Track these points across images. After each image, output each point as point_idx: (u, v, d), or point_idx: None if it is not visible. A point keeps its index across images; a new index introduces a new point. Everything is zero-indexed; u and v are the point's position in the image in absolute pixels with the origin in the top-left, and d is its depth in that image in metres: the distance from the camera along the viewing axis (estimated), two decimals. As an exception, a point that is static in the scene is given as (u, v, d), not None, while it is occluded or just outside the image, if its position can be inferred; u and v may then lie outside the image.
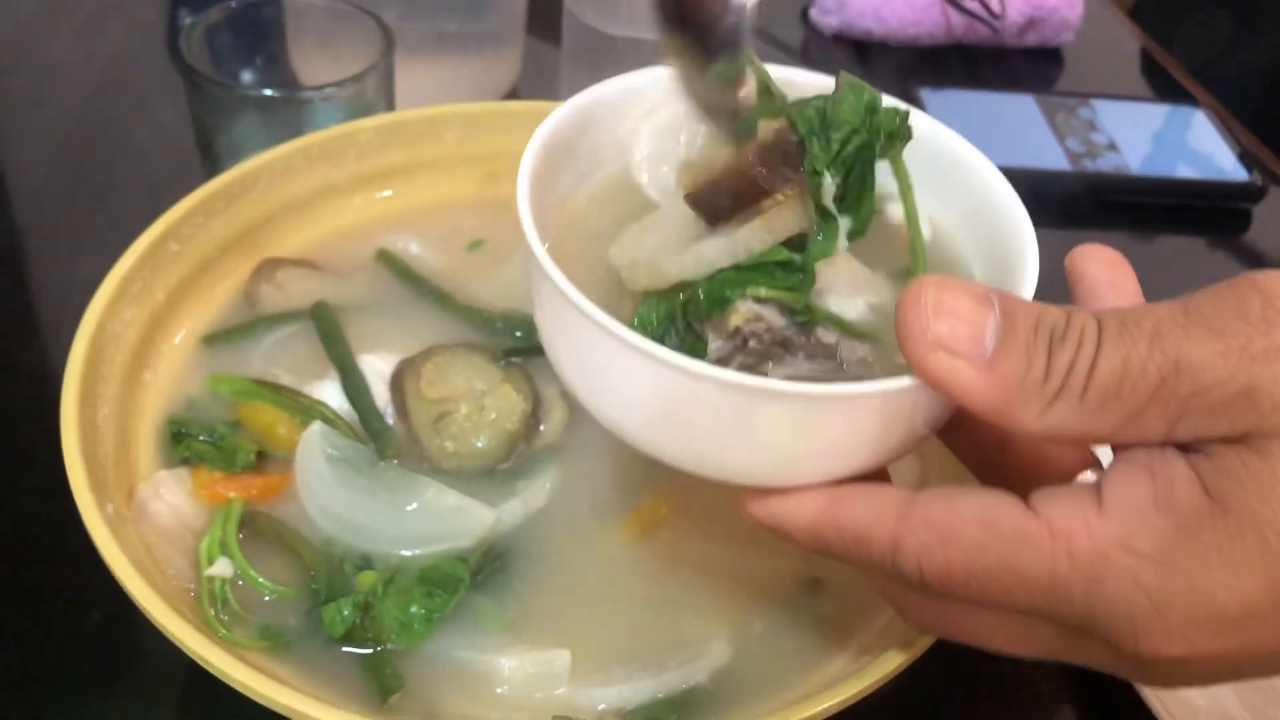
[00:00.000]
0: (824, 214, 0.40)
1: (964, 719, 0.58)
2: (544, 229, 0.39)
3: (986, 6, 1.05)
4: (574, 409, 0.57)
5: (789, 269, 0.39)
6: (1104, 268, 0.41)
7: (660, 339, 0.38)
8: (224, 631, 0.46)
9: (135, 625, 0.57)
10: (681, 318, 0.39)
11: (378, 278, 0.63)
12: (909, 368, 0.35)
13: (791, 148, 0.40)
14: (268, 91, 0.66)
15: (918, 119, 0.45)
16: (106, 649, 0.56)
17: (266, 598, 0.48)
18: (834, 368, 0.38)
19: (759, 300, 0.38)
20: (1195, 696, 0.53)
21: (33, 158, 0.85)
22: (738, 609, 0.50)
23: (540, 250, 0.38)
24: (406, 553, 0.50)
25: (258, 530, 0.50)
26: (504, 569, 0.50)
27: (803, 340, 0.38)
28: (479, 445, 0.54)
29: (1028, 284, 0.39)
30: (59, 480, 0.47)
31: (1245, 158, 0.95)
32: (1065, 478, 0.39)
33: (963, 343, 0.33)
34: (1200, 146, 0.97)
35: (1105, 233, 0.93)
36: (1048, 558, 0.33)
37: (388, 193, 0.66)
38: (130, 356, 0.54)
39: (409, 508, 0.51)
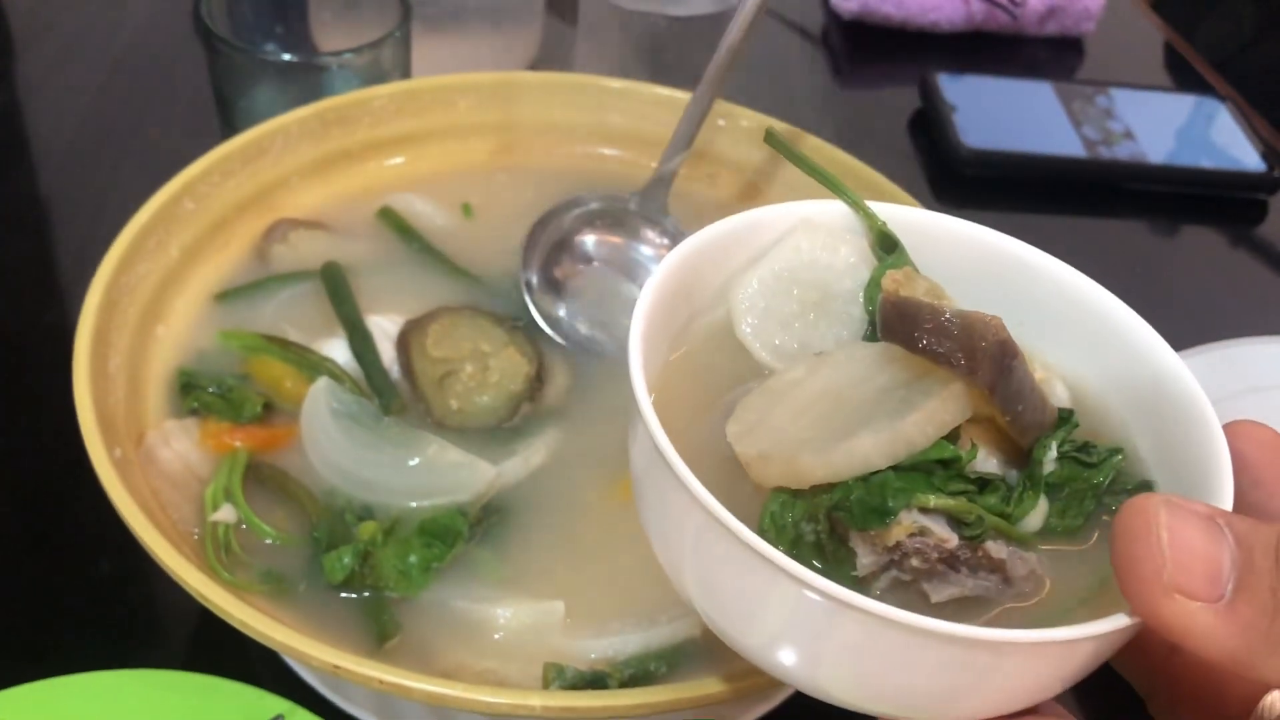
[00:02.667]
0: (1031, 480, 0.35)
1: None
2: (650, 385, 0.34)
3: (1007, -6, 1.05)
4: (577, 374, 0.57)
5: (950, 469, 0.34)
6: (1264, 450, 0.36)
7: (796, 543, 0.33)
8: (226, 574, 0.47)
9: (144, 575, 0.59)
10: (825, 520, 0.33)
11: (388, 241, 0.64)
12: (1091, 589, 0.32)
13: (999, 349, 0.33)
14: (285, 57, 0.67)
15: (1054, 267, 0.39)
16: (115, 597, 0.58)
17: (269, 543, 0.49)
18: (999, 583, 0.34)
19: (925, 510, 0.33)
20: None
21: (58, 123, 0.87)
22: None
23: (658, 429, 0.32)
24: (408, 505, 0.50)
25: (262, 479, 0.51)
26: (503, 523, 0.51)
27: (968, 555, 0.33)
28: (482, 404, 0.55)
29: (1225, 490, 0.33)
30: (74, 432, 0.48)
31: (1263, 149, 0.95)
32: (1248, 698, 0.35)
33: (1199, 583, 0.29)
34: (1218, 137, 0.97)
35: (1121, 220, 0.93)
36: None
37: (400, 159, 0.67)
38: (143, 309, 0.55)
39: (411, 462, 0.51)
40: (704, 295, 0.39)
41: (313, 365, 0.55)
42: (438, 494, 0.51)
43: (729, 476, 0.33)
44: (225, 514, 0.48)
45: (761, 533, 0.32)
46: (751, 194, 0.69)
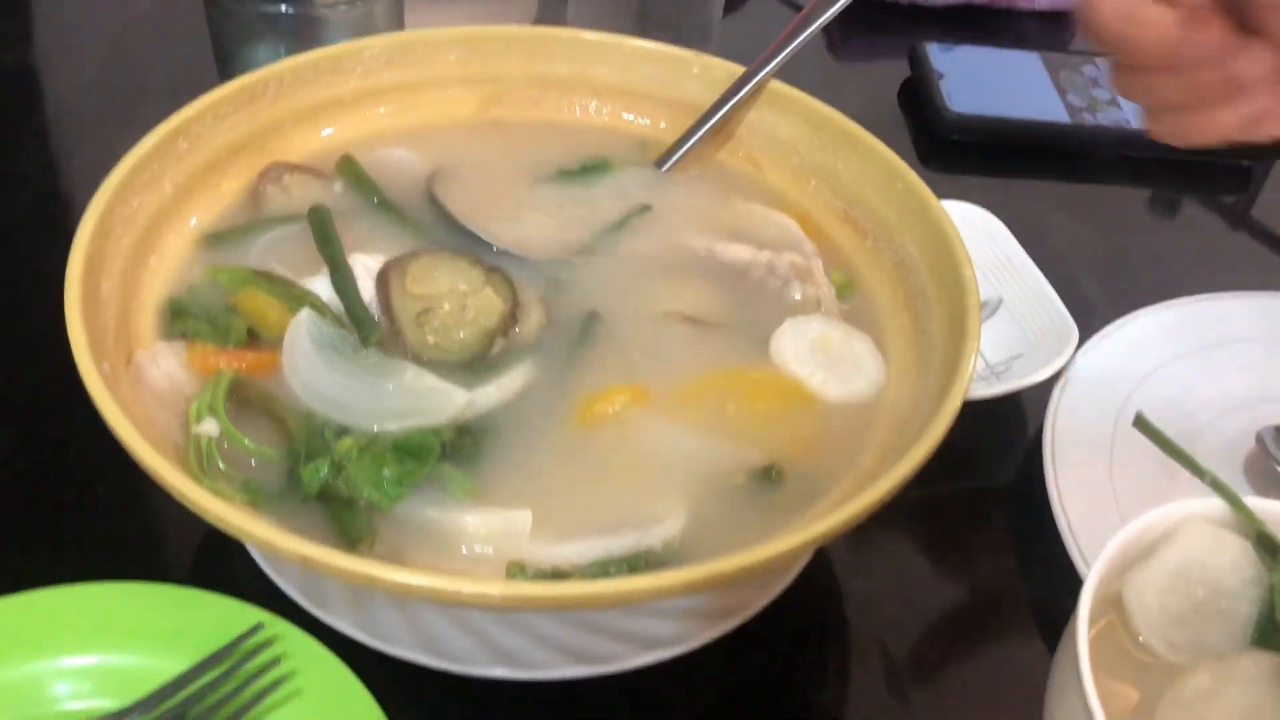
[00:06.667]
0: None
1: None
2: None
3: (998, -33, 1.07)
4: (550, 313, 0.59)
5: None
6: None
7: None
8: (208, 482, 0.49)
9: (136, 499, 0.61)
10: None
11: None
12: None
13: None
14: (283, 7, 0.69)
15: None
16: (109, 519, 0.61)
17: (252, 461, 0.51)
18: None
19: None
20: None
21: (70, 83, 0.90)
22: (694, 490, 0.52)
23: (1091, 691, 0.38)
24: (384, 426, 0.52)
25: (246, 399, 0.53)
26: (475, 445, 0.53)
27: None
28: (458, 338, 0.57)
29: None
30: (71, 365, 0.50)
31: (1247, 117, 0.96)
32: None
33: None
34: (1203, 106, 0.98)
35: (1104, 185, 0.95)
36: None
37: (390, 108, 0.69)
38: (136, 241, 0.57)
39: (388, 387, 0.53)
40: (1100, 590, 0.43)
41: (296, 298, 0.57)
42: (412, 416, 0.53)
43: None
44: (208, 427, 0.51)
45: None
46: (796, 176, 0.69)
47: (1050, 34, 1.12)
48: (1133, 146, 0.94)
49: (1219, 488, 0.46)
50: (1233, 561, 0.44)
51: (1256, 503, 0.45)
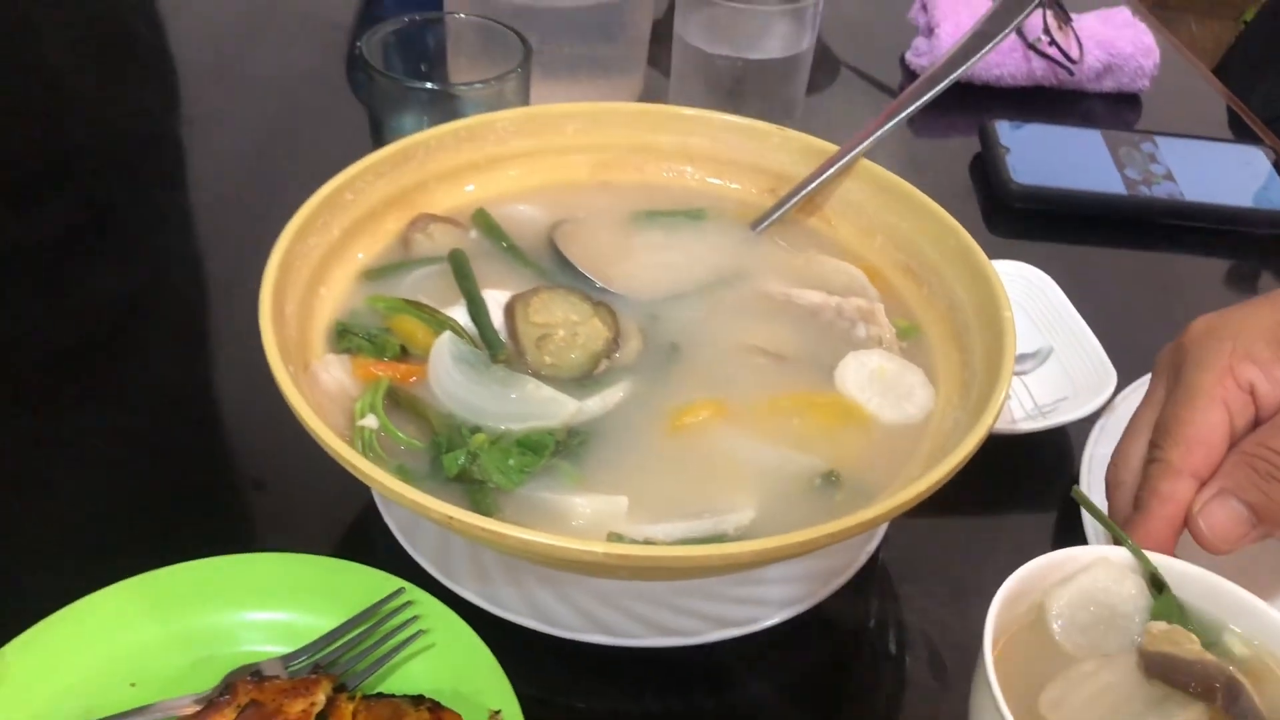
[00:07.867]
0: None
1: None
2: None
3: (1065, 53, 1.16)
4: (646, 341, 0.70)
5: None
6: None
7: None
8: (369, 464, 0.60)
9: (296, 486, 0.73)
10: None
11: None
12: None
13: (1228, 686, 0.51)
14: (428, 85, 0.82)
15: (1260, 605, 0.55)
16: (273, 501, 0.73)
17: (402, 448, 0.63)
18: None
19: None
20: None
21: (235, 147, 1.05)
22: (763, 489, 0.62)
23: (1001, 701, 0.49)
24: (509, 427, 0.63)
25: (399, 402, 0.65)
26: (583, 445, 0.63)
27: None
28: (571, 359, 0.68)
29: None
30: (252, 377, 0.60)
31: (1297, 191, 1.03)
32: None
33: None
34: (1254, 180, 1.06)
35: (1159, 253, 1.03)
36: None
37: (518, 171, 0.81)
38: (311, 274, 0.69)
39: (511, 395, 0.65)
40: (1026, 599, 0.56)
41: (439, 323, 0.69)
42: (531, 419, 0.64)
43: None
44: (369, 421, 0.62)
45: None
46: (864, 233, 0.79)
47: (1116, 114, 1.21)
48: (1183, 217, 1.02)
49: (1132, 548, 0.58)
50: (1129, 592, 0.56)
51: (1151, 554, 0.57)
